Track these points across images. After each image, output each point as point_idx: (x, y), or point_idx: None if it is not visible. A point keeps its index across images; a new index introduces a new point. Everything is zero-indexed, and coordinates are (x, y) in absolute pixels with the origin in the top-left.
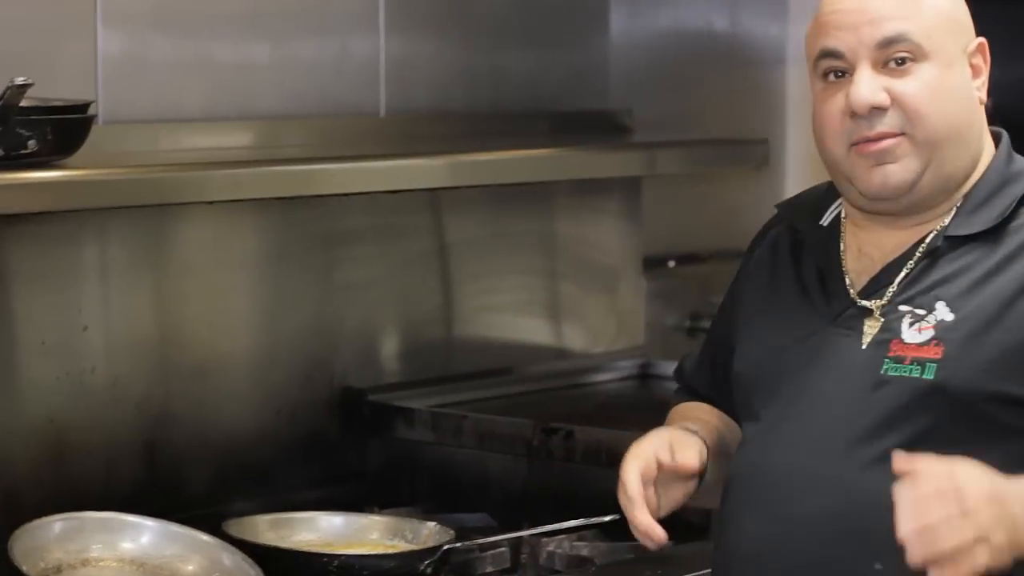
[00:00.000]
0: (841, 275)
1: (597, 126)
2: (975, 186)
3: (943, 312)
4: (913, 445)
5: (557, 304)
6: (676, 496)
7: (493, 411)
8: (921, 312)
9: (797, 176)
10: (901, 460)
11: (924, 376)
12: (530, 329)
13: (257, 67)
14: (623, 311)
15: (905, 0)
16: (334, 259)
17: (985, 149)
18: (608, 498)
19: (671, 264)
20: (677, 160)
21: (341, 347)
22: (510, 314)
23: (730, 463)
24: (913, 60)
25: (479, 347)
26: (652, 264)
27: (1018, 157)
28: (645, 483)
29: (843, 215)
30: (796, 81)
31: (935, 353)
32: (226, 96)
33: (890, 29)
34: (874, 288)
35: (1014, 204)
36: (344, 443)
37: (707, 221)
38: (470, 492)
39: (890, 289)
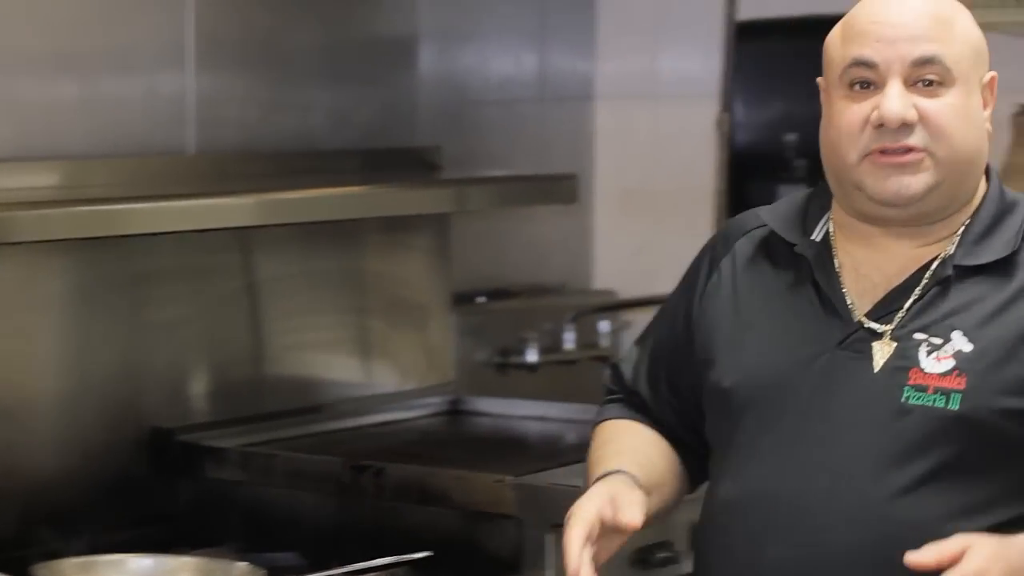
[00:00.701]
0: (842, 295)
1: (406, 163)
2: (975, 215)
3: (961, 342)
4: (939, 473)
5: (367, 341)
6: (614, 546)
7: (303, 449)
8: (938, 341)
9: (605, 211)
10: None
11: (950, 406)
12: (340, 367)
13: (63, 106)
14: (433, 347)
15: (942, 24)
16: (143, 298)
17: (981, 179)
18: (420, 534)
19: (480, 300)
20: (486, 196)
21: (150, 387)
22: (320, 352)
23: (728, 484)
24: (941, 84)
25: (289, 385)
26: (462, 300)
27: (1007, 189)
28: (588, 543)
29: (832, 230)
30: (604, 116)
31: (959, 384)
32: (32, 136)
33: (927, 50)
34: (882, 312)
35: (1020, 235)
36: (154, 483)
37: (516, 257)
38: (281, 531)
39: (899, 314)
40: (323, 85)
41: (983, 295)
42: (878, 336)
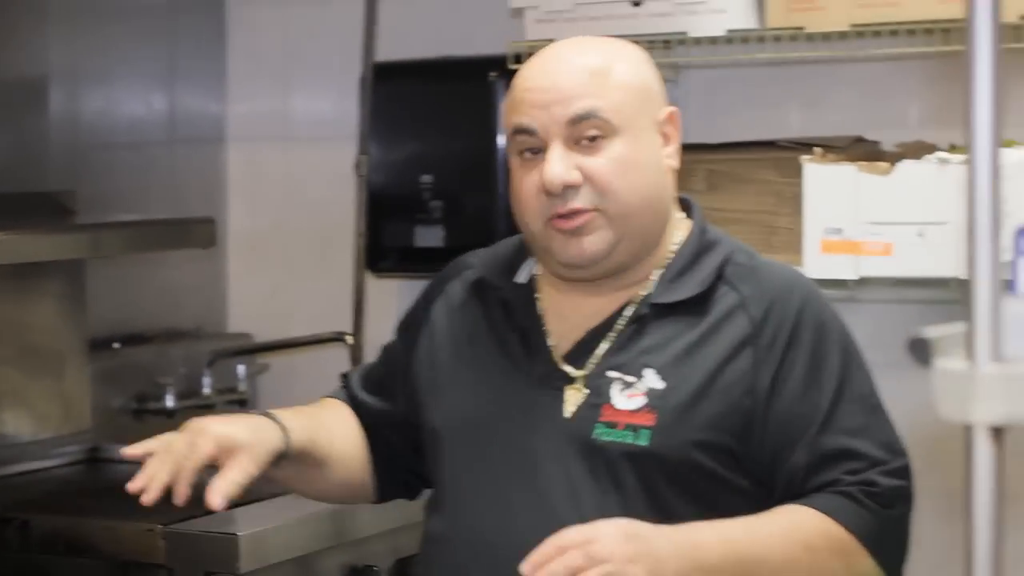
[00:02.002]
0: (543, 336)
1: (39, 208)
2: (676, 254)
3: (653, 380)
4: (633, 507)
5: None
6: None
7: None
8: (631, 379)
9: (240, 254)
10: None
11: (638, 442)
12: None
13: None
14: (69, 395)
15: (595, 77)
16: None
17: (673, 215)
18: None
19: (116, 346)
20: (121, 241)
21: None
22: None
23: (436, 520)
24: (603, 136)
25: None
26: (97, 346)
27: (710, 226)
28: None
29: (537, 271)
30: (237, 159)
31: (648, 420)
32: None
33: (579, 107)
34: (580, 353)
35: (712, 275)
36: None
37: (152, 302)
38: None
39: (596, 354)
40: None
41: (678, 333)
42: (573, 377)
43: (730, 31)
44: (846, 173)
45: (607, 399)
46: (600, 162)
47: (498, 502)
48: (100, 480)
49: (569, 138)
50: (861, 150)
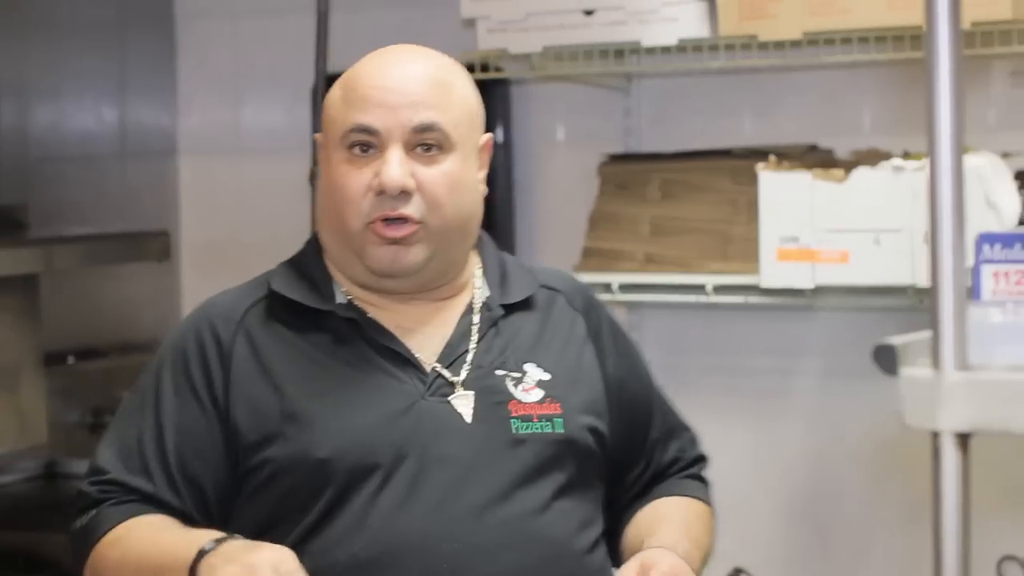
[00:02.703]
0: (406, 348)
1: None
2: (487, 262)
3: (537, 373)
4: (563, 491)
5: None
6: None
7: None
8: (517, 374)
9: (194, 267)
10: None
11: (556, 431)
12: None
13: None
14: (24, 410)
15: (441, 89)
16: None
17: None
18: None
19: (71, 360)
20: (75, 255)
21: None
22: None
23: (352, 547)
24: (440, 150)
25: None
26: (52, 360)
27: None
28: None
29: (350, 293)
30: (188, 172)
31: (555, 409)
32: None
33: (427, 117)
34: (449, 358)
35: (534, 276)
36: None
37: (107, 315)
38: None
39: (468, 357)
40: None
41: (530, 331)
42: (452, 384)
43: (682, 40)
44: (801, 181)
45: (509, 396)
46: (434, 174)
47: (437, 512)
48: (58, 495)
49: (408, 143)
50: (815, 158)
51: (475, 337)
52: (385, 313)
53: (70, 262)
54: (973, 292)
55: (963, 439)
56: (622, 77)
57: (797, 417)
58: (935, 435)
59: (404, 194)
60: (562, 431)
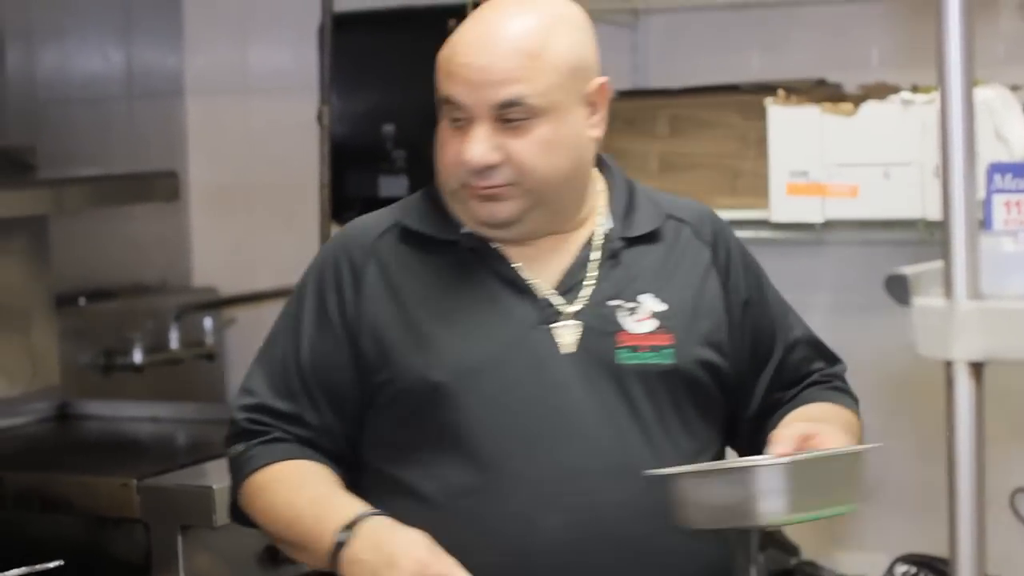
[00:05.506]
0: (522, 278)
1: None
2: (615, 194)
3: (653, 303)
4: (667, 423)
5: None
6: None
7: None
8: (631, 305)
9: (201, 207)
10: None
11: (664, 361)
12: None
13: None
14: (36, 352)
15: (529, 60)
16: None
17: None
18: (44, 543)
19: (82, 302)
20: (84, 196)
21: None
22: None
23: (461, 472)
24: (529, 119)
25: None
26: (63, 302)
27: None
28: None
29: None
30: (196, 112)
31: (667, 340)
32: None
33: (508, 93)
34: (566, 287)
35: (662, 208)
36: None
37: (116, 257)
38: None
39: (585, 285)
40: None
41: (649, 261)
42: (569, 312)
43: None
44: (810, 115)
45: (619, 326)
46: (523, 144)
47: (544, 438)
48: (71, 436)
49: (496, 118)
50: (824, 92)
51: (593, 267)
52: (507, 245)
53: (79, 203)
54: (985, 222)
55: (976, 368)
56: (629, 12)
57: None
58: (948, 365)
59: (489, 168)
60: (672, 361)
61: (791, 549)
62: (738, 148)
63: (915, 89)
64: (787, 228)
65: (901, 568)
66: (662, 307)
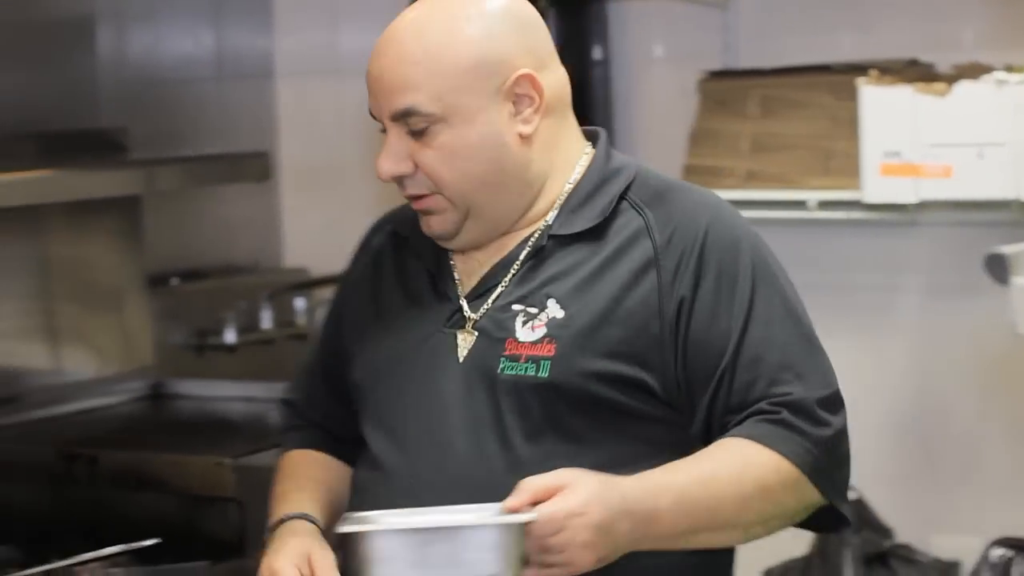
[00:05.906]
0: (451, 276)
1: (90, 145)
2: (576, 185)
3: (554, 309)
4: (539, 440)
5: (60, 328)
6: None
7: (8, 441)
8: (533, 311)
9: (293, 188)
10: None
11: (539, 374)
12: (34, 355)
13: None
14: (130, 332)
15: (417, 67)
16: None
17: (576, 151)
18: (138, 522)
19: (175, 282)
20: (176, 177)
21: None
22: (11, 341)
23: (361, 468)
24: (430, 126)
25: None
26: (156, 282)
27: (617, 154)
28: None
29: None
30: (286, 93)
31: (548, 351)
32: None
33: (400, 103)
34: (483, 288)
35: (613, 202)
36: None
37: (208, 237)
38: None
39: (498, 288)
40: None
41: (580, 261)
42: (472, 317)
43: None
44: (903, 95)
45: (511, 333)
46: (428, 154)
47: (414, 443)
48: (165, 415)
49: (404, 127)
50: (916, 72)
51: (515, 267)
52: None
53: (171, 183)
54: None
55: None
56: None
57: (902, 333)
58: None
59: (406, 176)
60: (545, 375)
61: (885, 531)
62: (830, 128)
63: (1009, 69)
64: (880, 209)
65: (997, 551)
66: (559, 314)
